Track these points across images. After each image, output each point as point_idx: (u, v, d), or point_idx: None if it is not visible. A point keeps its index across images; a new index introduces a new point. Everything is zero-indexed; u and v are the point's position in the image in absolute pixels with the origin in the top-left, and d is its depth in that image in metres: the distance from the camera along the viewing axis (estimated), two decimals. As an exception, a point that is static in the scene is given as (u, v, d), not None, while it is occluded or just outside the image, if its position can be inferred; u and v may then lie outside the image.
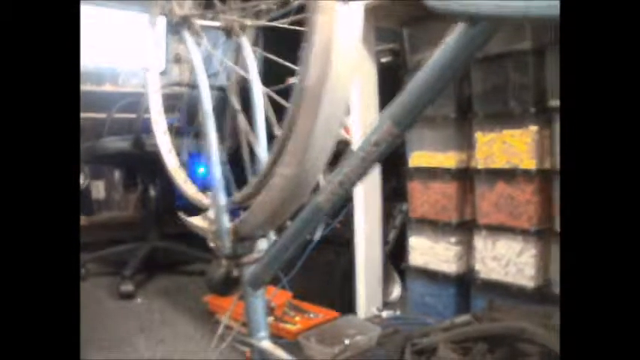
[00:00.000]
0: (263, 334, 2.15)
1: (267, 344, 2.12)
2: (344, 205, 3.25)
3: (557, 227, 2.60)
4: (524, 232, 2.73)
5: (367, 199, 3.31)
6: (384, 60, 3.78)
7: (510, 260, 2.80)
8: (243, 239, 2.10)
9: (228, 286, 2.22)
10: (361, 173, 1.51)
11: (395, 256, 3.56)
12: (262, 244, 2.21)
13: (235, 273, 2.11)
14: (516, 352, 2.33)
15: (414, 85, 1.36)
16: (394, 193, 3.61)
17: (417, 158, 3.24)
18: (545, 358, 2.19)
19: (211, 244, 2.16)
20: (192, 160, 3.37)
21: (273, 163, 1.72)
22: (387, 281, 3.52)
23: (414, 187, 3.27)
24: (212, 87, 2.18)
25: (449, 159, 3.10)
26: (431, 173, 3.17)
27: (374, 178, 3.34)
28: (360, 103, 3.29)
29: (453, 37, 1.18)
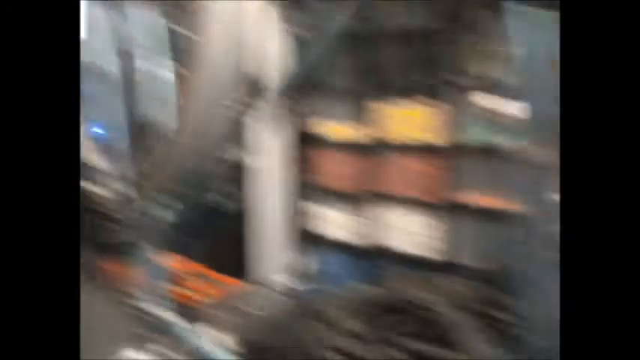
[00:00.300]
0: (158, 299, 2.14)
1: (161, 310, 2.12)
2: (242, 174, 3.26)
3: (462, 200, 2.74)
4: (428, 205, 2.76)
5: (272, 169, 3.32)
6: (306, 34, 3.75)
7: (416, 232, 2.91)
8: (142, 205, 2.09)
9: (123, 251, 2.21)
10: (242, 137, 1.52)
11: (304, 226, 3.60)
12: (165, 213, 2.21)
13: (130, 239, 2.11)
14: (409, 318, 2.44)
15: (304, 57, 1.38)
16: (303, 164, 3.63)
17: (323, 129, 3.28)
18: (433, 324, 2.35)
19: (108, 211, 2.13)
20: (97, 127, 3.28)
21: (175, 130, 1.72)
22: (294, 251, 3.55)
23: (321, 158, 3.31)
24: (121, 54, 2.15)
25: (354, 130, 3.13)
26: (336, 144, 3.21)
27: (279, 147, 3.35)
28: (272, 75, 3.26)
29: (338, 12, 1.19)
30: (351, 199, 3.21)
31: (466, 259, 2.60)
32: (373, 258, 3.14)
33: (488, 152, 2.41)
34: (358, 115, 3.12)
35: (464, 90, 2.53)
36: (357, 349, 2.40)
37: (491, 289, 2.33)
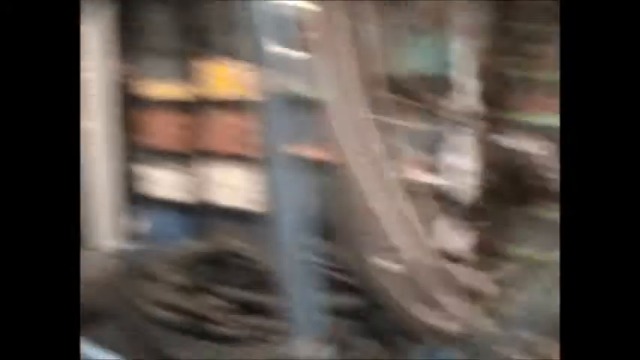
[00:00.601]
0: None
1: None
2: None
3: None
4: (250, 160, 2.82)
5: (98, 131, 3.34)
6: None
7: (240, 187, 2.95)
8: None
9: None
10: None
11: (133, 187, 3.56)
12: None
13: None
14: (231, 267, 2.67)
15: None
16: (129, 126, 3.58)
17: (148, 89, 3.28)
18: (252, 272, 2.49)
19: None
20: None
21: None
22: (124, 213, 3.50)
23: (145, 118, 3.31)
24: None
25: (177, 89, 3.17)
26: (161, 104, 3.22)
27: (104, 109, 3.31)
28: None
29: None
30: (177, 157, 3.28)
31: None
32: (200, 214, 3.27)
33: (301, 104, 2.37)
34: (181, 74, 3.15)
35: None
36: (183, 301, 2.58)
37: (312, 238, 2.39)
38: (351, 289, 2.62)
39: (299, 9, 2.09)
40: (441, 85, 2.03)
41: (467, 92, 1.94)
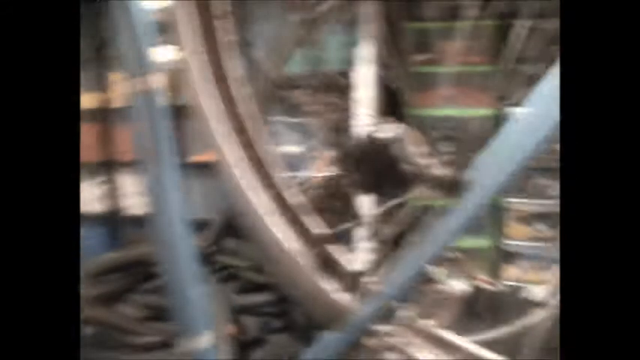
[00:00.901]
0: None
1: None
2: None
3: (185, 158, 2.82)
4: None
5: None
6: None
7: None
8: None
9: None
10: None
11: None
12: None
13: None
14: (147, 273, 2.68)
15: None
16: None
17: None
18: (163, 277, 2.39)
19: None
20: None
21: None
22: None
23: None
24: None
25: (86, 99, 3.21)
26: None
27: None
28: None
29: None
30: (91, 169, 3.25)
31: (198, 212, 2.64)
32: (115, 224, 3.36)
33: (179, 108, 2.39)
34: (90, 83, 3.17)
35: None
36: (97, 313, 2.59)
37: (221, 238, 2.37)
38: (259, 286, 2.73)
39: (168, 13, 2.08)
40: (331, 82, 2.06)
41: (363, 88, 1.98)
